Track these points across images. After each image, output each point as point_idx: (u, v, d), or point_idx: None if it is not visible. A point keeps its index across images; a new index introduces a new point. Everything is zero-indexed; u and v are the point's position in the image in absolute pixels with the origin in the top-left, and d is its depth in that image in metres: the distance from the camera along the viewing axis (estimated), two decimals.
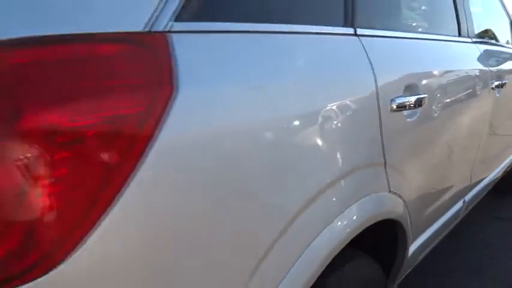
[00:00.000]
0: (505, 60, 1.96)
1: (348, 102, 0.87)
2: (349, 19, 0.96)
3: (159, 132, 0.55)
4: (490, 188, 2.29)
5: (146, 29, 0.58)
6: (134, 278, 0.56)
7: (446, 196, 1.53)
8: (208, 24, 0.66)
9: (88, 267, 0.52)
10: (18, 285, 0.48)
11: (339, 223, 0.81)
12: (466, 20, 1.61)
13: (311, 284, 0.78)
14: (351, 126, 0.87)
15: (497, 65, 1.80)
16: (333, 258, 0.81)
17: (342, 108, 0.85)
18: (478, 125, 1.62)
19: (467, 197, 1.81)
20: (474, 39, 1.67)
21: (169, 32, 0.60)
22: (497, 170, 2.19)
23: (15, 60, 0.49)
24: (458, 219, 1.91)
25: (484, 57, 1.69)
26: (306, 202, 0.75)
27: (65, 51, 0.52)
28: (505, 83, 1.82)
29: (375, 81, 0.94)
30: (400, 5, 1.35)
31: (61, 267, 0.50)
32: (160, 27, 0.59)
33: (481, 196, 2.16)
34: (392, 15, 1.27)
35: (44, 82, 0.50)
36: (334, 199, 0.81)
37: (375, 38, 1.01)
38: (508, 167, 2.53)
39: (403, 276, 1.47)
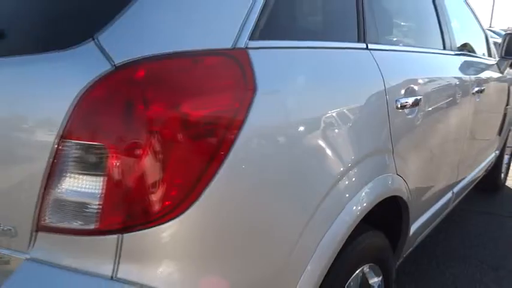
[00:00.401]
0: (482, 70, 2.25)
1: (368, 105, 1.12)
2: (361, 36, 1.22)
3: (245, 123, 0.78)
4: (473, 183, 2.56)
5: (234, 46, 0.81)
6: (227, 222, 0.78)
7: (439, 185, 1.78)
8: (279, 41, 0.91)
9: (198, 216, 0.74)
10: (164, 222, 0.71)
11: (364, 192, 1.05)
12: (449, 35, 1.89)
13: (345, 240, 1.01)
14: (370, 119, 1.12)
15: (476, 74, 2.08)
16: (355, 230, 1.04)
17: (363, 106, 1.09)
18: (463, 122, 1.89)
19: (456, 189, 2.07)
20: (456, 52, 1.95)
21: (246, 48, 0.83)
22: (479, 167, 2.46)
23: (159, 68, 0.72)
24: (449, 209, 2.17)
25: (465, 67, 1.97)
26: (340, 175, 0.98)
27: (186, 62, 0.75)
28: (483, 89, 2.11)
29: (384, 85, 1.20)
30: (399, 25, 1.63)
31: (185, 214, 0.72)
32: (241, 45, 0.83)
33: (467, 190, 2.43)
34: (394, 33, 1.54)
35: (178, 83, 0.73)
36: (361, 173, 1.05)
37: (382, 51, 1.27)
38: (489, 166, 2.81)
39: (404, 256, 1.71)
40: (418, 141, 1.43)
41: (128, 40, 0.73)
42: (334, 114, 0.98)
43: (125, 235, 0.70)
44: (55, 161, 0.71)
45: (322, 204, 0.94)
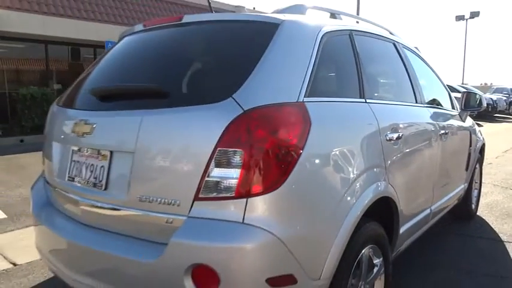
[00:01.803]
0: (446, 118, 2.98)
1: (369, 137, 1.79)
2: (362, 94, 1.91)
3: (307, 141, 1.43)
4: (448, 208, 3.20)
5: (298, 100, 1.49)
6: (300, 200, 1.40)
7: (419, 200, 2.42)
8: (318, 98, 1.59)
9: (283, 192, 1.36)
10: (267, 193, 1.32)
11: (368, 190, 1.69)
12: (419, 92, 2.63)
13: (358, 221, 1.62)
14: (371, 146, 1.79)
15: (441, 121, 2.81)
16: (362, 220, 1.64)
17: (369, 140, 1.77)
18: (433, 155, 2.57)
19: (433, 207, 2.70)
20: (425, 105, 2.68)
21: (304, 102, 1.51)
22: (451, 194, 3.11)
23: (264, 112, 1.38)
24: (428, 225, 2.78)
25: (432, 116, 2.70)
26: (357, 176, 1.63)
27: (277, 109, 1.41)
28: (448, 132, 2.82)
29: (378, 127, 1.88)
30: (384, 86, 2.35)
31: (277, 190, 1.34)
32: (301, 99, 1.50)
33: (443, 212, 3.06)
34: (381, 92, 2.26)
35: (273, 120, 1.38)
36: (367, 176, 1.69)
37: (375, 104, 1.97)
38: (461, 195, 3.47)
39: (397, 252, 2.29)
40: (402, 163, 2.10)
41: (249, 97, 1.39)
42: (351, 141, 1.65)
43: (249, 199, 1.32)
44: (212, 160, 1.33)
45: (345, 195, 1.57)
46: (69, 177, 1.74)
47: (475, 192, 4.01)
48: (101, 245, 1.51)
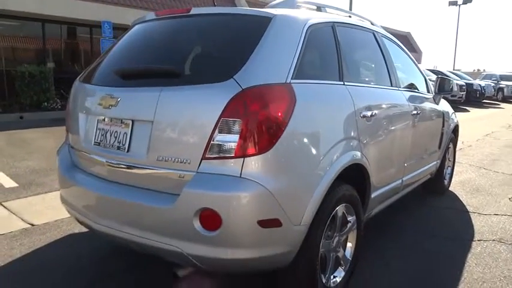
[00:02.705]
0: (420, 101, 3.35)
1: (345, 114, 2.15)
2: (341, 77, 2.26)
3: (292, 114, 1.78)
4: (420, 181, 3.60)
5: (286, 81, 1.84)
6: (286, 161, 1.77)
7: (390, 171, 2.81)
8: (303, 80, 1.93)
9: (274, 152, 1.72)
10: (261, 154, 1.69)
11: (344, 156, 2.06)
12: (394, 77, 2.98)
13: (333, 180, 1.98)
14: (347, 121, 2.15)
15: (413, 103, 3.17)
16: (335, 182, 2.01)
17: (345, 116, 2.13)
18: (405, 132, 2.95)
19: (404, 179, 3.09)
20: (400, 88, 3.04)
21: (291, 83, 1.86)
22: (422, 169, 3.50)
23: (258, 90, 1.73)
24: (399, 194, 3.18)
25: (407, 98, 3.06)
26: (333, 145, 1.99)
27: (269, 88, 1.77)
28: (420, 113, 3.20)
29: (354, 105, 2.23)
30: (360, 70, 2.70)
31: (269, 151, 1.71)
32: (288, 80, 1.85)
33: (415, 184, 3.46)
34: (357, 75, 2.60)
35: (265, 97, 1.73)
36: (342, 146, 2.06)
37: (352, 86, 2.32)
38: (433, 171, 3.87)
39: (369, 215, 2.69)
40: (374, 138, 2.47)
41: (247, 78, 1.73)
42: (329, 117, 2.01)
43: (245, 159, 1.68)
44: (216, 127, 1.69)
45: (322, 161, 1.94)
46: (95, 142, 2.08)
47: (448, 170, 4.42)
48: (125, 196, 1.87)
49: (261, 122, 1.68)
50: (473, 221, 3.54)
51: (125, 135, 1.93)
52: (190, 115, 1.76)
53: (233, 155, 1.68)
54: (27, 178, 4.65)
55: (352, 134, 2.20)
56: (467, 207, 3.93)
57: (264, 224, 1.70)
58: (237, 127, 1.67)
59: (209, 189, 1.67)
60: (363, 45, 2.77)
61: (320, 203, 1.90)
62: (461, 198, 4.20)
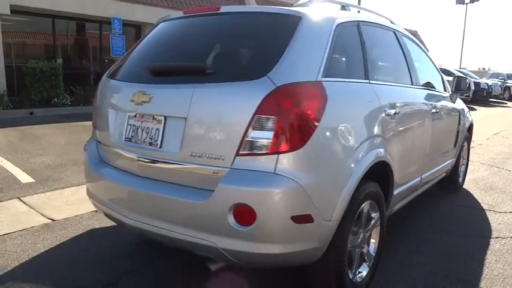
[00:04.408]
0: (438, 99, 3.37)
1: (372, 112, 2.17)
2: (366, 76, 2.29)
3: (323, 114, 1.81)
4: (437, 179, 3.62)
5: (317, 80, 1.86)
6: (317, 158, 1.80)
7: (411, 168, 2.83)
8: (333, 78, 1.96)
9: (307, 149, 1.75)
10: (294, 151, 1.71)
11: (372, 153, 2.08)
12: (415, 76, 3.00)
13: (360, 178, 2.01)
14: (373, 119, 2.17)
15: (434, 101, 3.19)
16: (362, 179, 2.03)
17: (372, 114, 2.15)
18: (424, 131, 2.97)
19: (423, 176, 3.11)
20: (420, 87, 3.06)
21: (321, 81, 1.88)
22: (439, 167, 3.52)
23: (291, 88, 1.76)
24: (418, 191, 3.20)
25: (426, 97, 3.08)
26: (362, 142, 2.02)
27: (301, 86, 1.79)
28: (438, 111, 3.21)
29: (379, 104, 2.26)
30: (384, 69, 2.72)
31: (302, 148, 1.73)
32: (319, 79, 1.88)
33: (431, 182, 3.49)
34: (381, 74, 2.62)
35: (297, 95, 1.76)
36: (370, 144, 2.08)
37: (377, 84, 2.34)
38: (449, 169, 3.89)
39: (390, 212, 2.72)
40: (398, 135, 2.49)
41: (280, 75, 1.76)
42: (357, 114, 2.04)
43: (279, 155, 1.71)
44: (251, 124, 1.72)
45: (351, 158, 1.96)
46: (126, 138, 2.12)
47: (462, 168, 4.44)
48: (158, 191, 1.91)
49: (294, 120, 1.71)
50: (489, 219, 3.56)
51: (157, 131, 1.96)
52: (224, 112, 1.79)
53: (267, 152, 1.71)
54: (43, 174, 4.70)
55: (378, 131, 2.23)
56: (482, 204, 3.94)
57: (297, 219, 1.73)
58: (271, 124, 1.70)
59: (244, 184, 1.70)
60: (385, 44, 2.79)
61: (349, 199, 1.93)
62: (475, 196, 4.22)
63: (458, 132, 3.89)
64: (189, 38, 2.23)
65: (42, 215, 3.46)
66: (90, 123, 10.01)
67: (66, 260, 2.66)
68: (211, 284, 2.36)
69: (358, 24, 2.38)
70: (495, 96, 19.53)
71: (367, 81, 2.28)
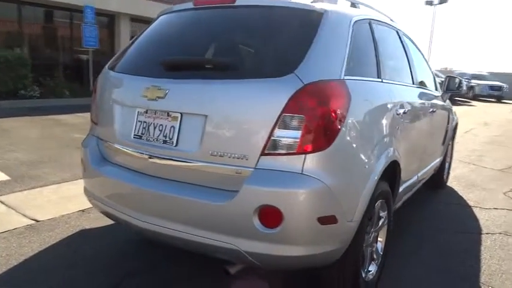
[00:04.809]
0: (434, 98, 3.43)
1: (386, 111, 2.17)
2: (379, 74, 2.28)
3: (347, 114, 1.78)
4: (427, 178, 3.69)
5: (340, 78, 1.83)
6: (342, 158, 1.76)
7: (413, 166, 2.86)
8: (353, 76, 1.93)
9: (332, 150, 1.71)
10: (320, 150, 1.67)
11: (387, 152, 2.07)
12: (415, 75, 3.04)
13: (379, 178, 2.00)
14: (389, 119, 2.16)
15: (431, 100, 3.25)
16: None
17: (387, 114, 2.14)
18: (425, 129, 3.01)
19: (419, 174, 3.16)
20: (420, 86, 3.10)
21: (344, 79, 1.85)
22: (431, 165, 3.60)
23: (317, 86, 1.71)
24: (415, 189, 3.25)
25: (425, 96, 3.12)
26: (379, 142, 2.00)
27: (325, 84, 1.75)
28: (435, 110, 3.27)
29: (392, 102, 2.25)
30: (393, 69, 2.73)
31: (328, 149, 1.69)
32: (342, 77, 1.84)
33: (424, 180, 3.55)
34: (391, 72, 2.62)
35: (322, 93, 1.72)
36: (386, 143, 2.07)
37: (388, 84, 2.34)
38: (437, 167, 3.98)
39: (393, 209, 2.73)
40: (404, 134, 2.50)
41: (307, 73, 1.71)
42: (376, 114, 2.02)
43: (307, 155, 1.66)
44: (277, 123, 1.65)
45: (371, 157, 1.95)
46: (135, 135, 2.00)
47: (446, 165, 4.56)
48: (174, 192, 1.81)
49: (322, 119, 1.66)
50: (476, 215, 3.68)
51: (173, 128, 1.86)
52: (248, 110, 1.71)
53: (294, 151, 1.65)
54: (18, 171, 4.42)
55: (391, 131, 2.23)
56: (468, 201, 4.07)
57: (322, 220, 1.69)
58: (298, 123, 1.64)
59: (271, 185, 1.64)
60: (391, 43, 2.80)
61: (369, 199, 1.92)
62: (459, 193, 4.35)
63: (447, 130, 3.98)
64: (203, 31, 2.13)
65: (24, 215, 3.25)
66: (62, 116, 9.55)
67: (61, 263, 2.50)
68: (220, 283, 2.29)
69: (369, 22, 2.36)
70: (460, 96, 20.34)
71: (380, 80, 2.27)
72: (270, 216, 1.64)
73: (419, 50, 3.54)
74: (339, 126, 1.72)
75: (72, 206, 3.49)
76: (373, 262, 2.31)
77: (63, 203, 3.60)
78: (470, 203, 4.01)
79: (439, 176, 4.25)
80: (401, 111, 2.38)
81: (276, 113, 1.65)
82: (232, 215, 1.68)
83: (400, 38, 2.94)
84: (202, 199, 1.74)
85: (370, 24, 2.36)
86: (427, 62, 3.70)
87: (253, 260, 1.72)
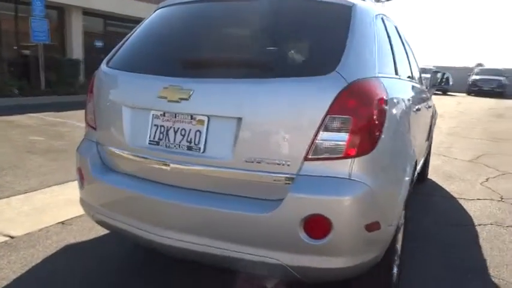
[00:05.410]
0: (426, 94, 3.47)
1: (408, 109, 2.11)
2: (396, 71, 2.21)
3: (387, 114, 1.68)
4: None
5: (376, 75, 1.73)
6: (384, 160, 1.67)
7: (417, 164, 2.85)
8: (383, 74, 1.83)
9: (377, 152, 1.61)
10: (366, 154, 1.56)
11: (413, 151, 2.02)
12: (412, 72, 3.03)
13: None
14: (411, 117, 2.11)
15: (425, 96, 3.28)
16: None
17: (409, 111, 2.09)
18: (423, 126, 3.01)
19: (418, 171, 3.17)
20: (414, 80, 3.10)
21: (377, 77, 1.75)
22: (422, 160, 3.64)
23: (361, 85, 1.60)
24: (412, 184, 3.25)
25: (421, 92, 3.13)
26: (409, 140, 1.94)
27: (368, 82, 1.64)
28: (427, 106, 3.31)
29: (410, 99, 2.21)
30: (402, 65, 2.68)
31: (373, 151, 1.59)
32: (377, 74, 1.74)
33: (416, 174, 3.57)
34: (402, 69, 2.56)
35: (365, 92, 1.61)
36: (412, 142, 2.01)
37: (403, 80, 2.29)
38: (423, 163, 4.04)
39: None
40: (415, 131, 2.47)
41: (349, 71, 1.59)
42: (403, 112, 1.96)
43: (354, 159, 1.54)
44: (322, 125, 1.52)
45: (405, 158, 1.88)
46: (151, 141, 1.78)
47: (429, 159, 4.67)
48: (204, 203, 1.62)
49: (368, 119, 1.56)
50: (464, 207, 3.78)
51: (198, 133, 1.67)
52: (289, 111, 1.57)
53: (341, 155, 1.53)
54: None
55: (411, 129, 2.18)
56: (452, 193, 4.18)
57: (369, 227, 1.59)
58: (345, 125, 1.52)
59: (319, 193, 1.51)
60: (396, 38, 2.75)
61: (405, 200, 1.85)
62: (441, 185, 4.47)
63: (431, 126, 4.06)
64: (223, 25, 1.94)
65: None
66: (14, 118, 8.81)
67: (51, 286, 2.22)
68: None
69: (382, 17, 2.29)
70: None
71: (398, 76, 2.21)
72: (318, 226, 1.51)
73: (410, 46, 3.56)
74: (382, 127, 1.62)
75: (48, 218, 3.16)
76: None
77: (37, 214, 3.24)
78: (455, 195, 4.13)
79: (423, 169, 4.33)
80: (415, 108, 2.34)
81: (320, 114, 1.52)
82: (275, 227, 1.54)
83: (398, 32, 2.91)
84: (240, 210, 1.57)
85: (383, 19, 2.28)
86: (414, 57, 3.73)
87: (298, 274, 1.59)
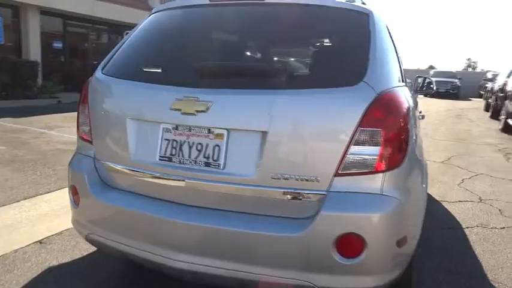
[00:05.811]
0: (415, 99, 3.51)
1: (417, 117, 2.08)
2: (403, 79, 2.18)
3: (409, 116, 1.63)
4: None
5: (398, 85, 1.67)
6: (410, 173, 1.62)
7: None
8: (400, 83, 1.79)
9: (404, 166, 1.55)
10: (396, 168, 1.50)
11: (425, 162, 1.98)
12: (404, 77, 3.04)
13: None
14: (418, 125, 2.07)
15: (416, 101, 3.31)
16: None
17: (417, 119, 2.05)
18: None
19: None
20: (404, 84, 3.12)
21: (400, 86, 1.70)
22: None
23: (389, 95, 1.54)
24: None
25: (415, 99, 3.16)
26: (422, 150, 1.90)
27: (399, 93, 1.58)
28: (420, 112, 3.34)
29: (417, 108, 2.18)
30: (402, 73, 2.67)
31: (401, 165, 1.53)
32: (398, 84, 1.69)
33: None
34: (403, 75, 2.56)
35: (392, 104, 1.55)
36: (423, 153, 1.98)
37: (406, 87, 2.26)
38: None
39: None
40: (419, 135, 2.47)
41: (376, 81, 1.52)
42: (415, 121, 1.92)
43: (386, 173, 1.48)
44: (353, 139, 1.45)
45: (422, 168, 1.84)
46: (161, 157, 1.62)
47: None
48: (226, 224, 1.50)
49: (399, 132, 1.50)
50: (447, 209, 3.86)
51: (217, 148, 1.54)
52: (317, 124, 1.48)
53: (373, 170, 1.46)
54: None
55: (419, 137, 2.16)
56: (434, 196, 4.27)
57: (400, 243, 1.53)
58: (376, 137, 1.46)
59: (352, 210, 1.44)
60: (393, 42, 2.74)
61: (425, 211, 1.81)
62: None
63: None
64: (241, 32, 1.81)
65: None
66: None
67: None
68: None
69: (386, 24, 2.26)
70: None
71: (404, 84, 2.18)
72: (351, 244, 1.43)
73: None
74: (408, 139, 1.58)
75: (22, 237, 2.89)
76: None
77: (9, 233, 2.96)
78: (437, 198, 4.21)
79: None
80: (420, 116, 2.33)
81: (350, 127, 1.45)
82: (306, 247, 1.44)
83: (390, 36, 2.90)
84: (267, 231, 1.46)
85: (386, 25, 2.25)
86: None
87: None
